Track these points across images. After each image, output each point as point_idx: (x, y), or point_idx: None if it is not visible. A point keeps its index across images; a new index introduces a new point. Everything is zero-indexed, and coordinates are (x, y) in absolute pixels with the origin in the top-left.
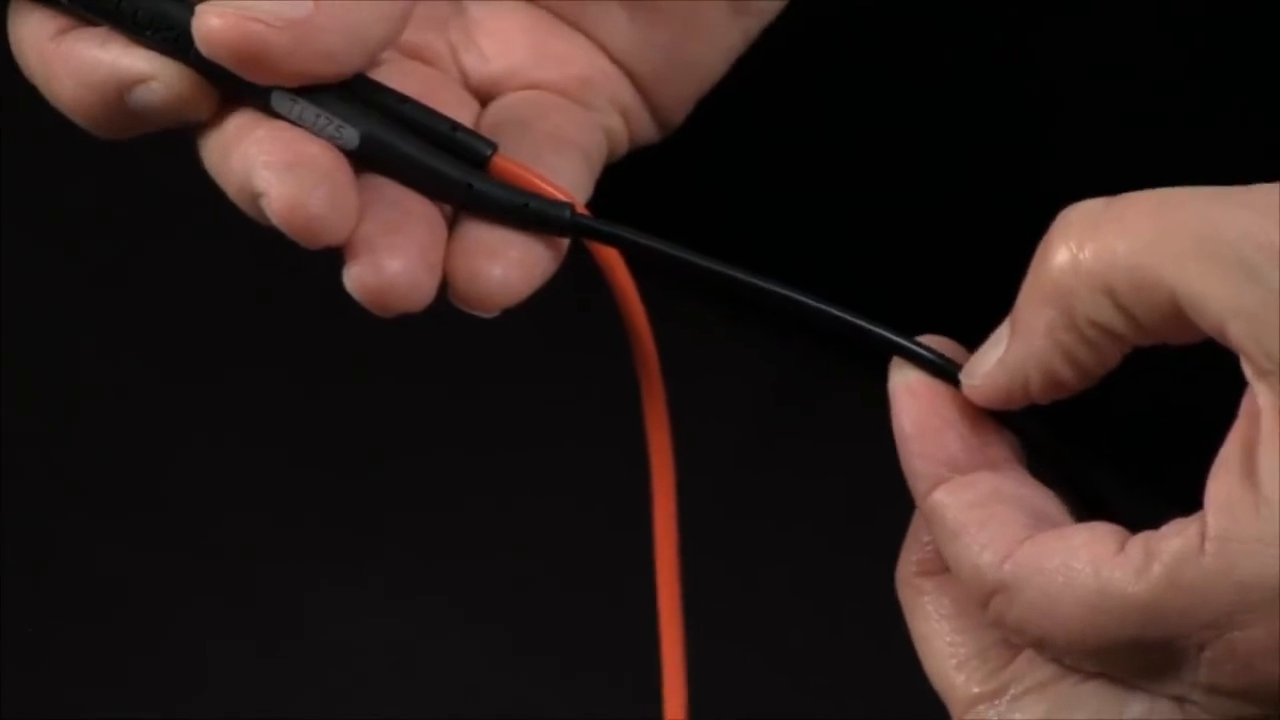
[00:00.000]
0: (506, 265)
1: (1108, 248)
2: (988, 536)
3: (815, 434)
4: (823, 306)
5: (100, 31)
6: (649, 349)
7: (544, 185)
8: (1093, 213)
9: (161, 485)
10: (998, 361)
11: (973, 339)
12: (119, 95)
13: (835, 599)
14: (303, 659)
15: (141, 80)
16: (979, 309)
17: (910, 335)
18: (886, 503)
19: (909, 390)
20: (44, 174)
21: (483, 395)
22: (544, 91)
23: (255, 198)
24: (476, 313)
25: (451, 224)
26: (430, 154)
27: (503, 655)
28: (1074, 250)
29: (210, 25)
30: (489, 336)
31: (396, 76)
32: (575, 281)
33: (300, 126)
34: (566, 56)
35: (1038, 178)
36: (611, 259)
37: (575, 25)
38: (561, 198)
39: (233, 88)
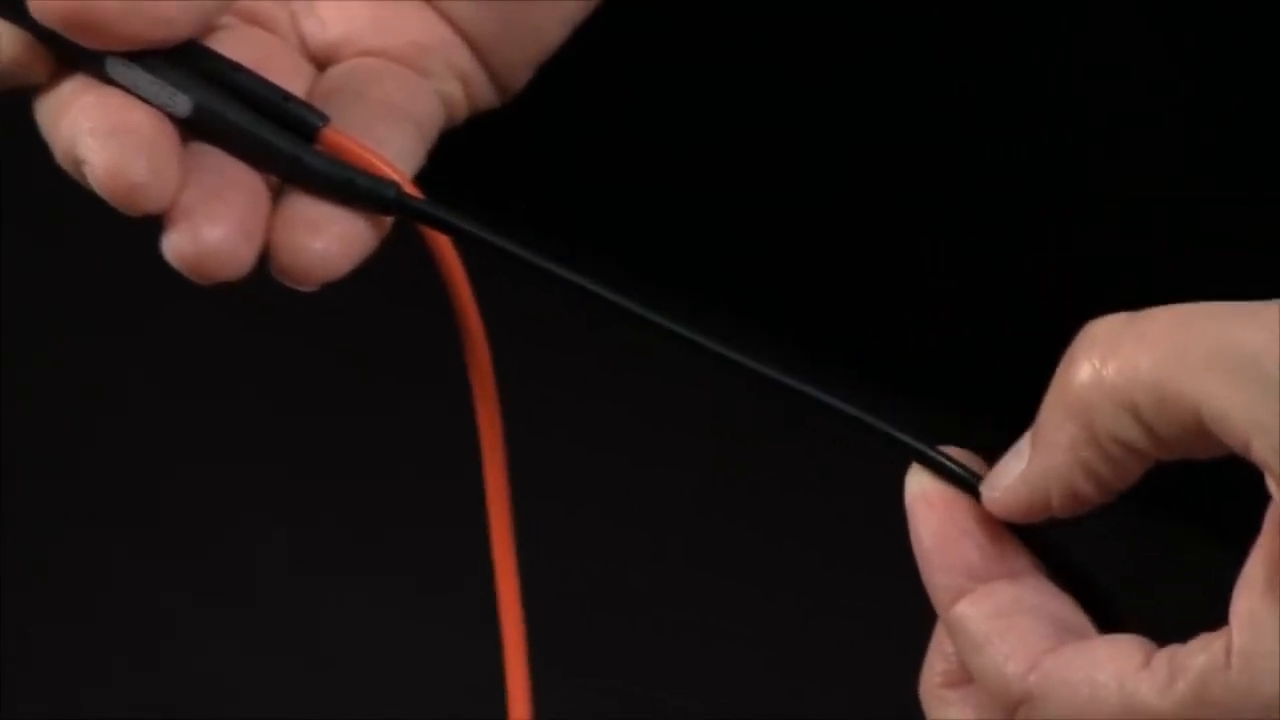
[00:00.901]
0: (328, 240)
1: (1130, 364)
2: (1010, 647)
3: (822, 441)
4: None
5: None
6: (477, 331)
7: (372, 160)
8: (1115, 328)
9: (161, 484)
10: (1019, 475)
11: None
12: None
13: (841, 607)
14: (302, 659)
15: None
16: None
17: (930, 443)
18: (890, 511)
19: (925, 501)
20: (44, 174)
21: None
22: (380, 59)
23: (79, 164)
24: (296, 287)
25: (278, 195)
26: (260, 125)
27: (503, 655)
28: (1097, 366)
29: None
30: (491, 337)
31: (233, 43)
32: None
33: (134, 93)
34: (404, 23)
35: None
36: (439, 238)
37: None
38: (389, 175)
39: (69, 53)
